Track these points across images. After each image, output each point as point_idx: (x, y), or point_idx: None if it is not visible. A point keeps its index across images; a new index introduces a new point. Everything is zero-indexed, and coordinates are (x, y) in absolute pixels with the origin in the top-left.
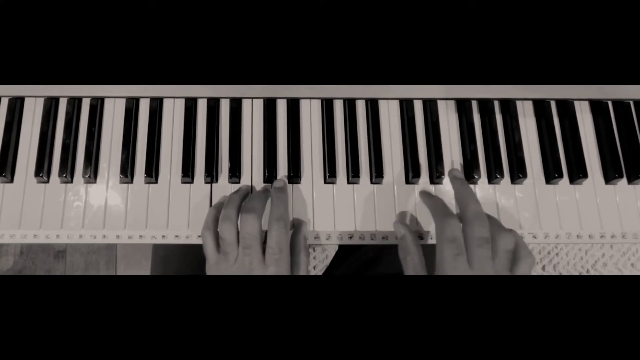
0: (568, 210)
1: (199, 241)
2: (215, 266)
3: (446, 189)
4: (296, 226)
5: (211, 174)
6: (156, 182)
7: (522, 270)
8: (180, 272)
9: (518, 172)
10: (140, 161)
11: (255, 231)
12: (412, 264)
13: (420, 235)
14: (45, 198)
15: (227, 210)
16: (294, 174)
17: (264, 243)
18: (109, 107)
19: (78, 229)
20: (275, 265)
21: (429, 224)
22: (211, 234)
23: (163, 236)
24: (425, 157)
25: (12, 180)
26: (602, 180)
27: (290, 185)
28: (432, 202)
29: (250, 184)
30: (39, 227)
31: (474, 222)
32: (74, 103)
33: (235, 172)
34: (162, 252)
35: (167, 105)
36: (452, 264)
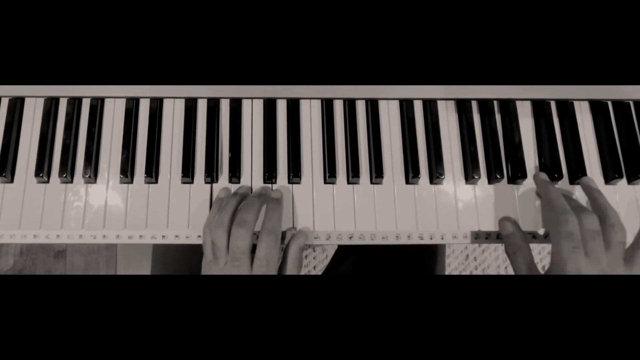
0: None
1: (199, 241)
2: (208, 265)
3: (446, 190)
4: (295, 235)
5: (211, 174)
6: (156, 182)
7: (638, 263)
8: (180, 272)
9: (518, 172)
10: (141, 161)
11: (245, 246)
12: (523, 259)
13: (532, 234)
14: (45, 198)
15: (222, 215)
16: (294, 174)
17: (253, 252)
18: (109, 107)
19: (78, 229)
20: None
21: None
22: (210, 235)
23: (163, 236)
24: (425, 157)
25: (12, 181)
26: (602, 180)
27: (290, 185)
28: (549, 196)
29: (250, 184)
30: (39, 227)
31: (581, 216)
32: (74, 103)
33: (235, 172)
34: (162, 252)
35: (167, 105)
36: (569, 257)
